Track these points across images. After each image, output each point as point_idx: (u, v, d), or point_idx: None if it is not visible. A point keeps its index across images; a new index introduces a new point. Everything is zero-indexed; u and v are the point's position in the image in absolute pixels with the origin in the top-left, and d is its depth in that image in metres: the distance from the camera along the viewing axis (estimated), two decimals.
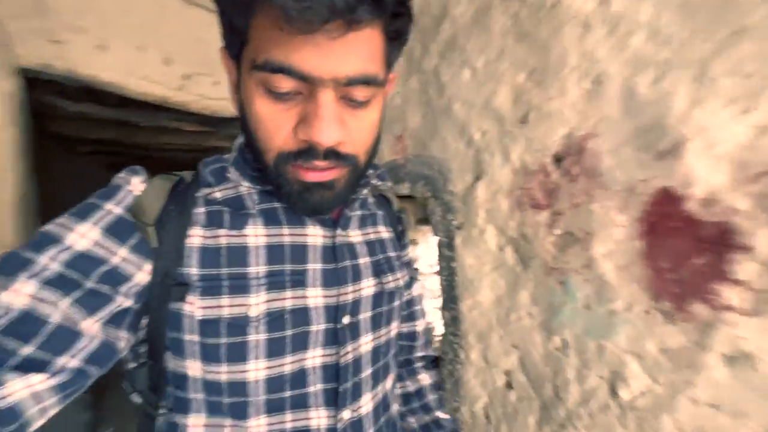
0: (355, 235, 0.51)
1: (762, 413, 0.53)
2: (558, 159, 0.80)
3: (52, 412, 0.33)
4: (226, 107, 2.43)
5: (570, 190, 0.78)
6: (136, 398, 0.43)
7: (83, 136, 3.47)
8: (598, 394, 0.74)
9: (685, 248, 0.61)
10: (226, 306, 0.40)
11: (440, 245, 1.14)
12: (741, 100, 0.55)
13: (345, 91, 0.35)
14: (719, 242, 0.58)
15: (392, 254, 0.55)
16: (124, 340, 0.39)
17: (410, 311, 0.65)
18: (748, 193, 0.54)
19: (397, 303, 0.54)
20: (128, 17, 2.03)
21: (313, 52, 0.31)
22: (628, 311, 0.69)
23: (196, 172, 0.47)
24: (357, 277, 0.49)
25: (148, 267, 0.40)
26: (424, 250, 1.68)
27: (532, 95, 0.85)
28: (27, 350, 0.32)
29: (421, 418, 0.62)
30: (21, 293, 0.33)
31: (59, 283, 0.34)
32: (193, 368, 0.41)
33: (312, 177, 0.39)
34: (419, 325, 0.66)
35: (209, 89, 2.38)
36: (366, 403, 0.48)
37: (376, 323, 0.50)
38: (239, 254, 0.42)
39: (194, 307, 0.40)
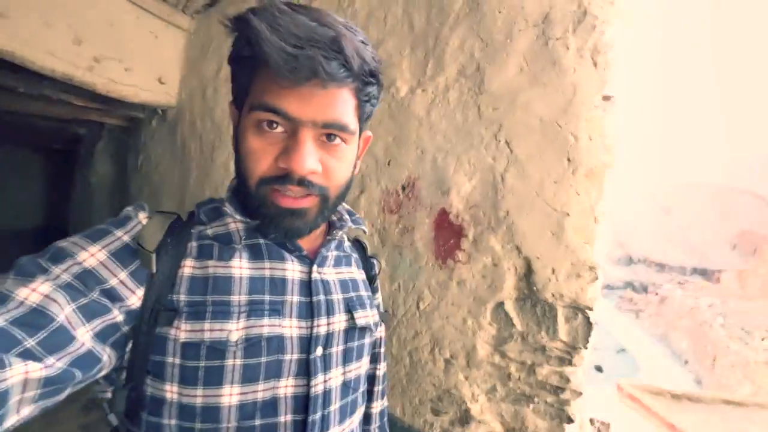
0: (329, 273, 0.54)
1: (465, 304, 1.31)
2: (403, 187, 1.52)
3: (25, 410, 0.33)
4: (137, 94, 2.58)
5: (407, 204, 1.50)
6: (113, 419, 0.44)
7: None
8: (412, 308, 1.46)
9: (447, 235, 1.37)
10: (207, 330, 0.43)
11: None
12: (469, 173, 1.32)
13: (321, 132, 0.42)
14: (458, 233, 1.35)
15: (364, 293, 0.59)
16: (107, 356, 0.40)
17: (373, 352, 0.68)
18: (469, 212, 1.32)
19: (367, 340, 0.57)
20: None
21: (298, 100, 0.40)
22: (426, 265, 1.43)
23: (191, 213, 0.52)
24: (330, 311, 0.52)
25: (140, 293, 0.43)
26: None
27: (393, 151, 1.55)
28: (32, 341, 0.33)
29: None
30: (37, 291, 0.36)
31: (68, 290, 0.37)
32: (171, 391, 0.42)
33: (286, 203, 0.44)
34: (380, 369, 0.69)
35: (120, 75, 2.50)
36: None
37: (347, 357, 0.53)
38: (224, 283, 0.45)
39: (179, 331, 0.43)
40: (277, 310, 0.47)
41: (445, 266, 1.38)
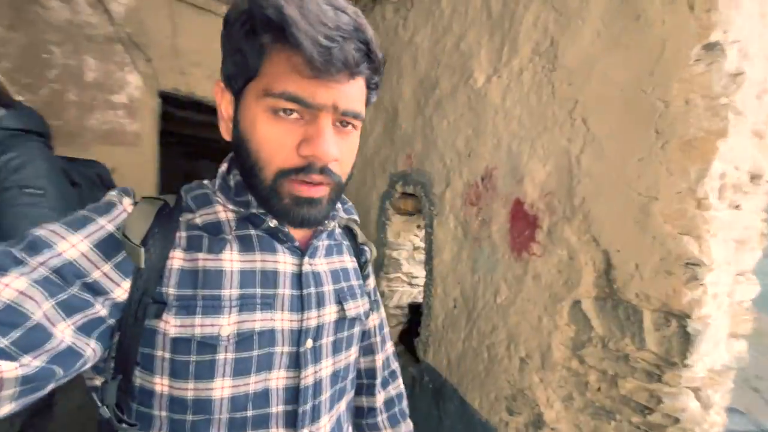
0: (321, 264, 0.52)
1: (541, 301, 1.21)
2: (482, 178, 1.49)
3: (5, 408, 0.32)
4: None
5: (485, 196, 1.47)
6: (105, 412, 0.42)
7: (179, 131, 4.45)
8: (490, 302, 1.43)
9: (522, 226, 1.29)
10: (198, 325, 0.41)
11: (426, 226, 1.85)
12: (543, 158, 1.22)
13: (339, 119, 0.42)
14: (533, 223, 1.25)
15: (355, 283, 0.57)
16: (91, 349, 0.38)
17: (368, 343, 0.67)
18: (543, 201, 1.22)
19: (357, 329, 0.57)
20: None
21: (322, 89, 0.39)
22: (502, 258, 1.38)
23: (178, 197, 0.48)
24: (321, 303, 0.50)
25: (126, 285, 0.40)
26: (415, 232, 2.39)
27: (473, 142, 1.54)
28: (5, 341, 0.32)
29: None
30: (10, 287, 0.33)
31: (45, 285, 0.35)
32: (161, 384, 0.41)
33: (306, 192, 0.42)
34: (378, 360, 0.67)
35: None
36: (324, 425, 0.50)
37: (337, 348, 0.52)
38: (215, 277, 0.43)
39: (168, 325, 0.41)
40: (268, 304, 0.46)
41: (520, 259, 1.30)
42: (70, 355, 0.36)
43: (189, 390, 0.42)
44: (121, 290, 0.40)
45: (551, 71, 1.20)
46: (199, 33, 2.72)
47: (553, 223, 1.19)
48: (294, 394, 0.47)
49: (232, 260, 0.45)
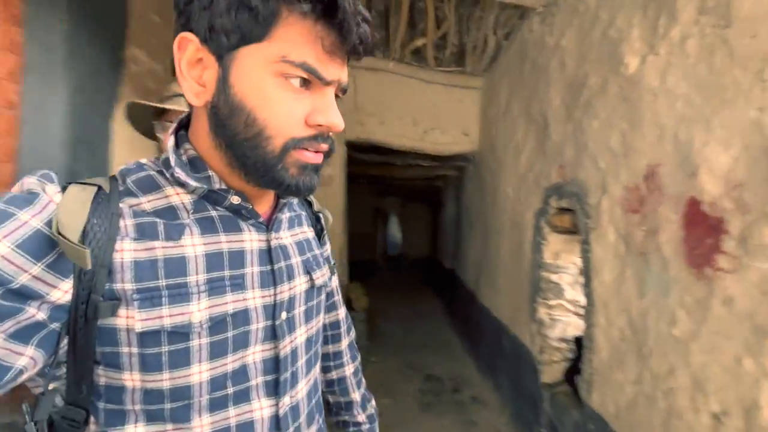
0: (286, 237, 0.52)
1: (738, 334, 0.87)
2: (644, 179, 1.22)
3: None
4: (450, 148, 3.43)
5: (650, 199, 1.19)
6: (56, 416, 0.39)
7: (364, 173, 5.36)
8: (664, 333, 1.11)
9: (701, 233, 0.98)
10: (166, 316, 0.39)
11: (582, 242, 1.60)
12: (725, 140, 0.92)
13: (337, 92, 0.44)
14: (717, 228, 0.94)
15: (317, 252, 0.58)
16: (28, 358, 0.35)
17: (332, 302, 0.69)
18: (730, 197, 0.90)
19: (323, 296, 0.58)
20: (395, 102, 3.32)
21: (334, 65, 0.41)
22: (677, 276, 1.06)
23: (113, 180, 0.43)
24: (291, 275, 0.50)
25: (66, 285, 0.36)
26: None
27: (629, 138, 1.29)
28: None
29: (338, 398, 0.70)
30: None
31: None
32: (132, 380, 0.39)
33: (313, 159, 0.42)
34: (341, 314, 0.71)
35: (439, 137, 3.43)
36: (301, 389, 0.51)
37: (308, 316, 0.53)
38: (177, 264, 0.41)
39: (133, 320, 0.38)
40: (238, 284, 0.44)
41: (702, 277, 0.98)
42: None
43: (164, 380, 0.40)
44: (60, 292, 0.36)
45: (724, 28, 0.92)
46: (371, 89, 3.32)
47: (748, 226, 0.86)
48: (273, 365, 0.47)
49: (194, 245, 0.42)
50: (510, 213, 2.57)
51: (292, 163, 0.41)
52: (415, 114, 3.42)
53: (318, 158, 0.43)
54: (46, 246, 0.35)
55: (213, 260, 0.43)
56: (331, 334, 0.69)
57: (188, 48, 0.39)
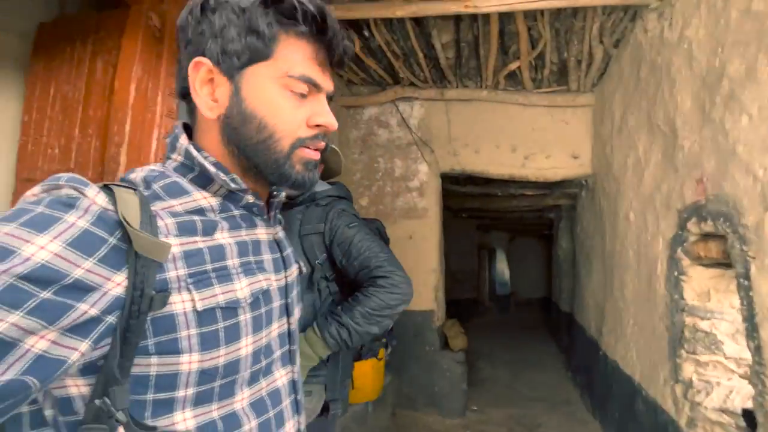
0: (279, 231, 0.60)
1: None
2: None
3: None
4: (556, 173, 3.10)
5: None
6: (121, 417, 0.39)
7: (463, 206, 5.21)
8: None
9: None
10: (219, 294, 0.44)
11: (738, 276, 1.19)
12: None
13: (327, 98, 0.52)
14: None
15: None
16: (79, 353, 0.36)
17: None
18: None
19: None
20: (491, 130, 3.20)
21: (326, 76, 0.50)
22: None
23: (136, 188, 0.45)
24: (289, 264, 0.59)
25: (119, 278, 0.38)
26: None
27: None
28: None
29: None
30: None
31: (9, 295, 0.33)
32: (189, 363, 0.42)
33: (314, 155, 0.51)
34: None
35: (542, 162, 3.15)
36: (299, 359, 0.61)
37: (299, 297, 0.63)
38: (218, 251, 0.46)
39: (192, 303, 0.42)
40: (262, 268, 0.52)
41: None
42: (45, 364, 0.35)
43: (221, 357, 0.44)
44: (113, 284, 0.38)
45: None
46: (464, 119, 3.27)
47: None
48: (285, 338, 0.57)
49: (224, 238, 0.48)
50: (634, 243, 2.13)
51: (298, 161, 0.49)
52: (514, 140, 3.22)
53: (317, 155, 0.51)
54: (96, 243, 0.37)
55: (241, 248, 0.50)
56: None
57: (201, 70, 0.47)
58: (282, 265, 0.57)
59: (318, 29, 0.47)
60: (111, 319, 0.38)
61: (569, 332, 4.38)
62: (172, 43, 1.88)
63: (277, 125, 0.47)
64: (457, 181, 4.17)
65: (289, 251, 0.60)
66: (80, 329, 0.36)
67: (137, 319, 0.39)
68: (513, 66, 2.76)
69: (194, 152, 0.48)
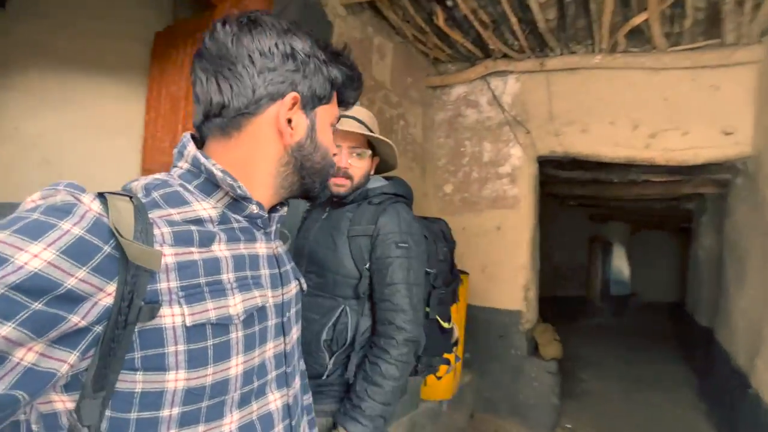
0: (279, 246, 0.61)
1: None
2: None
3: None
4: (696, 155, 2.43)
5: None
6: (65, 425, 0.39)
7: (570, 193, 4.54)
8: None
9: None
10: (211, 309, 0.43)
11: None
12: None
13: None
14: None
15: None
16: (68, 365, 0.36)
17: None
18: None
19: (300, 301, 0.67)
20: (604, 104, 2.65)
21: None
22: None
23: (132, 195, 0.44)
24: (288, 280, 0.59)
25: (110, 288, 0.38)
26: None
27: None
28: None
29: None
30: None
31: (1, 307, 0.32)
32: (175, 380, 0.41)
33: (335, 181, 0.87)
34: None
35: (676, 142, 2.50)
36: (297, 380, 0.59)
37: (298, 317, 0.63)
38: (213, 264, 0.46)
39: (182, 317, 0.41)
40: (258, 283, 0.51)
41: None
42: (34, 377, 0.34)
43: (208, 376, 0.43)
44: (105, 294, 0.37)
45: None
46: (569, 92, 2.75)
47: None
48: (281, 360, 0.55)
49: (221, 250, 0.48)
50: None
51: (326, 183, 0.61)
52: (636, 114, 2.61)
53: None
54: (90, 250, 0.37)
55: (238, 262, 0.50)
56: None
57: (289, 105, 0.52)
58: (279, 281, 0.57)
59: (356, 90, 0.61)
60: (98, 329, 0.38)
61: (706, 352, 3.52)
62: None
63: (330, 155, 0.59)
64: (561, 165, 3.61)
65: (288, 267, 0.61)
66: (68, 340, 0.36)
67: (123, 329, 0.39)
68: (638, 20, 2.19)
69: (202, 159, 0.49)
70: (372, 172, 1.18)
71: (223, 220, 0.50)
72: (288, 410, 0.55)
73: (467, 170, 3.18)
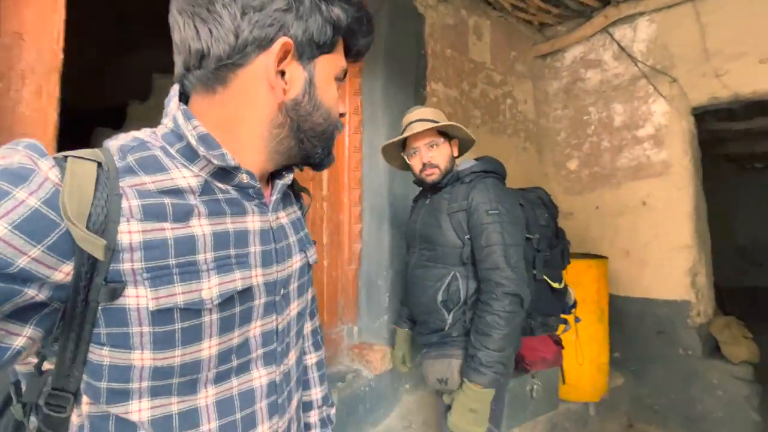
0: (282, 217, 0.55)
1: None
2: None
3: None
4: None
5: None
6: (17, 411, 0.40)
7: (752, 152, 3.49)
8: None
9: None
10: (179, 293, 0.40)
11: None
12: None
13: None
14: None
15: (307, 230, 0.62)
16: (25, 338, 0.35)
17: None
18: None
19: (310, 272, 0.63)
20: None
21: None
22: None
23: (107, 155, 0.40)
24: (289, 254, 0.54)
25: (67, 268, 0.36)
26: None
27: None
28: None
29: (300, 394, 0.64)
30: None
31: None
32: (141, 359, 0.39)
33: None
34: (309, 293, 0.66)
35: None
36: (292, 357, 0.55)
37: (300, 291, 0.57)
38: (187, 244, 0.41)
39: (146, 299, 0.38)
40: (243, 263, 0.46)
41: None
42: None
43: (176, 357, 0.40)
44: (62, 274, 0.35)
45: None
46: (732, 18, 2.11)
47: None
48: (271, 337, 0.51)
49: (201, 225, 0.42)
50: None
51: (332, 137, 0.53)
52: None
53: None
54: (45, 226, 0.34)
55: (220, 239, 0.44)
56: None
57: (283, 51, 0.44)
58: (274, 257, 0.50)
59: (366, 39, 0.52)
60: (56, 304, 0.37)
61: None
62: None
63: (335, 114, 0.51)
64: (731, 115, 2.81)
65: (290, 240, 0.55)
66: (22, 314, 0.35)
67: (85, 307, 0.37)
68: None
69: (181, 119, 0.43)
70: (456, 154, 1.32)
71: (205, 190, 0.44)
72: (275, 387, 0.51)
73: (594, 140, 2.75)
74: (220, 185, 0.46)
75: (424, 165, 1.26)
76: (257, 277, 0.47)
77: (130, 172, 0.40)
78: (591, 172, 2.76)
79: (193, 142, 0.43)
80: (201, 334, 0.42)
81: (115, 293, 0.38)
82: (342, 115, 0.53)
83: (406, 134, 1.27)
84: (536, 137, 2.96)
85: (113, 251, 0.37)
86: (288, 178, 0.53)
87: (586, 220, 2.73)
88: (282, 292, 0.52)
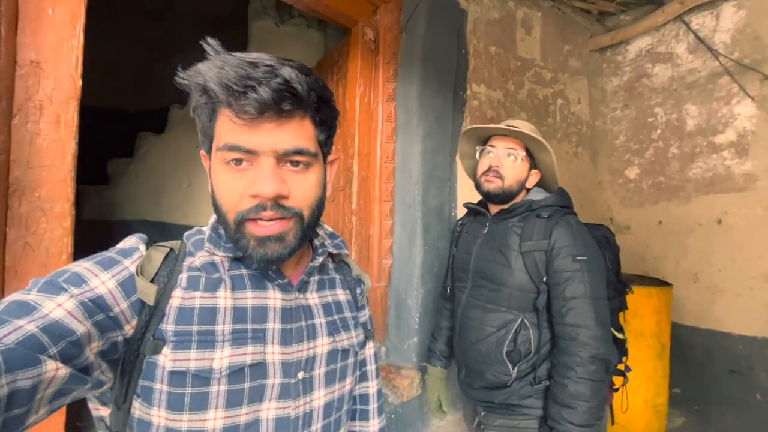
0: (312, 298, 0.57)
1: None
2: None
3: (42, 410, 0.36)
4: None
5: None
6: None
7: None
8: None
9: None
10: (192, 359, 0.46)
11: None
12: None
13: (284, 159, 0.46)
14: None
15: (348, 315, 0.62)
16: (100, 371, 0.43)
17: (362, 371, 0.68)
18: None
19: (351, 360, 0.60)
20: None
21: (256, 134, 0.44)
22: None
23: (182, 244, 0.53)
24: (312, 335, 0.54)
25: (134, 322, 0.46)
26: None
27: None
28: (55, 349, 0.37)
29: None
30: (62, 307, 0.40)
31: (84, 310, 0.41)
32: (158, 416, 0.45)
33: (263, 231, 0.47)
34: (371, 387, 0.68)
35: None
36: None
37: (330, 379, 0.56)
38: (210, 314, 0.48)
39: (167, 359, 0.45)
40: (259, 338, 0.50)
41: None
42: (87, 372, 0.41)
43: (183, 422, 0.45)
44: (129, 327, 0.45)
45: None
46: None
47: None
48: (286, 425, 0.50)
49: (225, 297, 0.50)
50: None
51: (249, 236, 0.47)
52: None
53: (269, 229, 0.47)
54: (133, 288, 0.46)
55: (238, 313, 0.49)
56: (359, 408, 0.68)
57: (204, 158, 0.52)
58: (294, 337, 0.53)
59: (208, 90, 0.44)
60: (119, 355, 0.45)
61: None
62: (386, 51, 1.96)
63: (221, 200, 0.48)
64: None
65: (310, 322, 0.55)
66: (106, 352, 0.44)
67: (136, 358, 0.45)
68: None
69: (212, 220, 0.54)
70: (530, 185, 1.15)
71: (233, 266, 0.52)
72: None
73: (660, 146, 2.42)
74: (243, 264, 0.53)
75: (489, 168, 1.10)
76: (274, 354, 0.50)
77: (189, 254, 0.52)
78: (654, 182, 2.44)
79: (196, 238, 0.53)
80: (207, 402, 0.46)
81: (157, 348, 0.45)
82: (253, 195, 0.46)
83: (501, 125, 1.12)
84: (590, 141, 2.67)
85: (164, 313, 0.47)
86: (317, 261, 0.57)
87: (645, 237, 2.43)
88: (301, 375, 0.52)
